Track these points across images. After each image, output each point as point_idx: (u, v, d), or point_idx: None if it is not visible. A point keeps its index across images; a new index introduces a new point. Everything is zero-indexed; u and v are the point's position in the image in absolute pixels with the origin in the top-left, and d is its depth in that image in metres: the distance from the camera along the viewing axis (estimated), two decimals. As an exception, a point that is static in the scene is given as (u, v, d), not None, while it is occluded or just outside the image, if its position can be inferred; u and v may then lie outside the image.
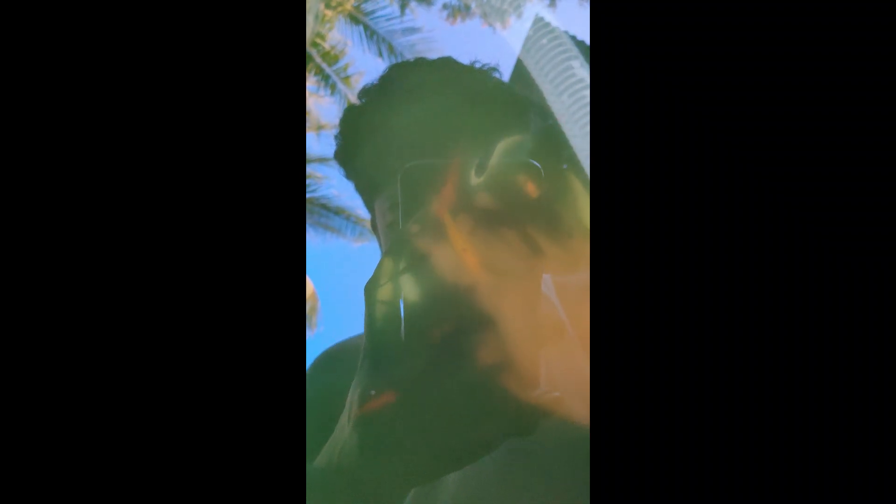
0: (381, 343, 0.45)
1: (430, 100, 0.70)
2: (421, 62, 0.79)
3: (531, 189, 0.55)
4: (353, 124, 0.76)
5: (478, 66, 0.75)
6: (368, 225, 0.82)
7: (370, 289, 0.46)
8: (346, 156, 0.76)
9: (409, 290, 0.47)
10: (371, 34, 6.28)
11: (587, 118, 0.46)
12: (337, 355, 0.76)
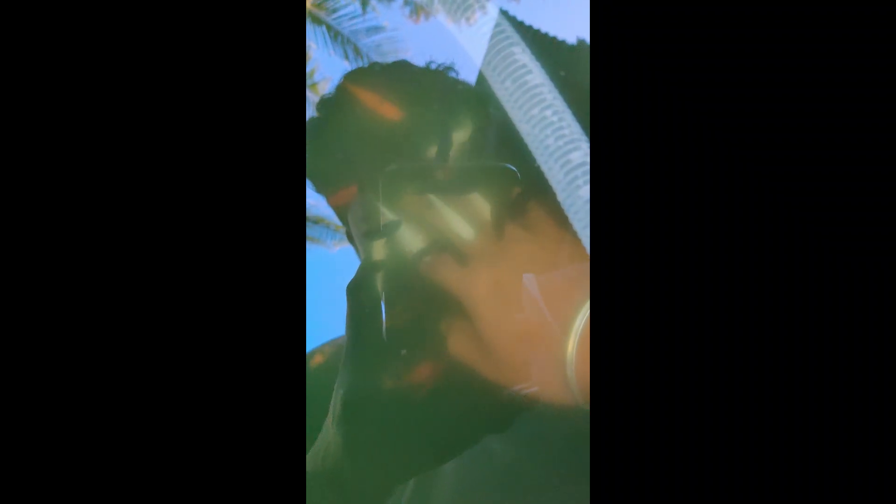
0: (364, 343, 0.45)
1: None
2: (375, 67, 0.80)
3: (508, 190, 0.55)
4: (315, 137, 0.75)
5: (433, 66, 0.75)
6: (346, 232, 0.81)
7: (352, 290, 0.46)
8: (313, 169, 0.74)
9: (391, 290, 0.46)
10: (335, 35, 6.18)
11: (530, 103, 0.46)
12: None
